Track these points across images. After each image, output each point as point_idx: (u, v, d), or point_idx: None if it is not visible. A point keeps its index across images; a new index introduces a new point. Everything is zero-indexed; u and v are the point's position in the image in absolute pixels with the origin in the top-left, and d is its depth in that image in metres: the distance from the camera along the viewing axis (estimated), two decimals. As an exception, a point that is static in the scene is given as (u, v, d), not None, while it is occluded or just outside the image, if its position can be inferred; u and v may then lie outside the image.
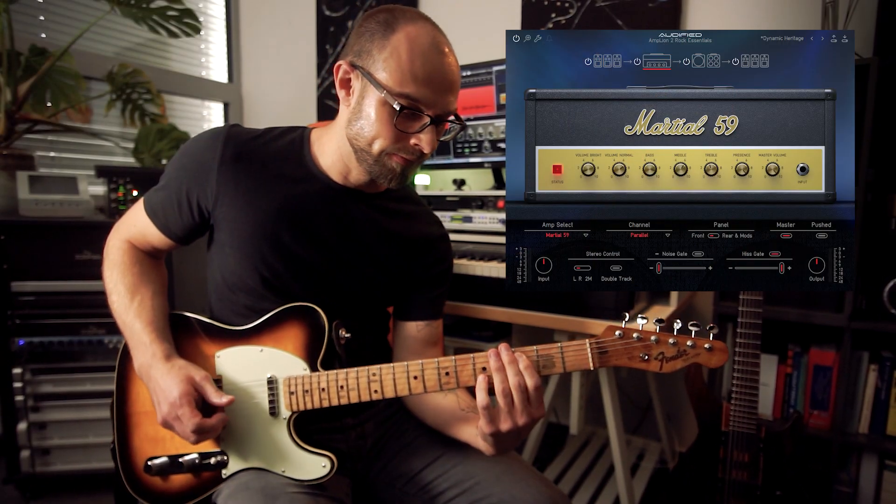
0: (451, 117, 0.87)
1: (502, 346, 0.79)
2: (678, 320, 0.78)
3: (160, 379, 0.85)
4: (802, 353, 1.57)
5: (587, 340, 0.79)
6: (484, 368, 0.80)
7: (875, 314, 1.47)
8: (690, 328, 0.77)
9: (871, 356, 1.52)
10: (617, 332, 0.78)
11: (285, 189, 0.91)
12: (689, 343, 0.77)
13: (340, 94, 0.88)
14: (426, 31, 0.82)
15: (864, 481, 1.54)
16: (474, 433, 0.87)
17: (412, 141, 0.84)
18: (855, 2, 1.51)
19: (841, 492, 1.55)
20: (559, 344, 0.80)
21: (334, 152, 0.91)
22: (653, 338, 0.77)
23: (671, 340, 0.77)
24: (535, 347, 0.80)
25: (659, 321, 0.79)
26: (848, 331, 1.46)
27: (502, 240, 1.62)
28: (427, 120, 0.83)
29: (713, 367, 0.78)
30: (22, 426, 1.64)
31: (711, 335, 0.77)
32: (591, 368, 0.79)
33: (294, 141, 0.95)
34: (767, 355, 1.59)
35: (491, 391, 0.78)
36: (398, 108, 0.80)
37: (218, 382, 0.90)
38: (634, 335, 0.78)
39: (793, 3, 1.71)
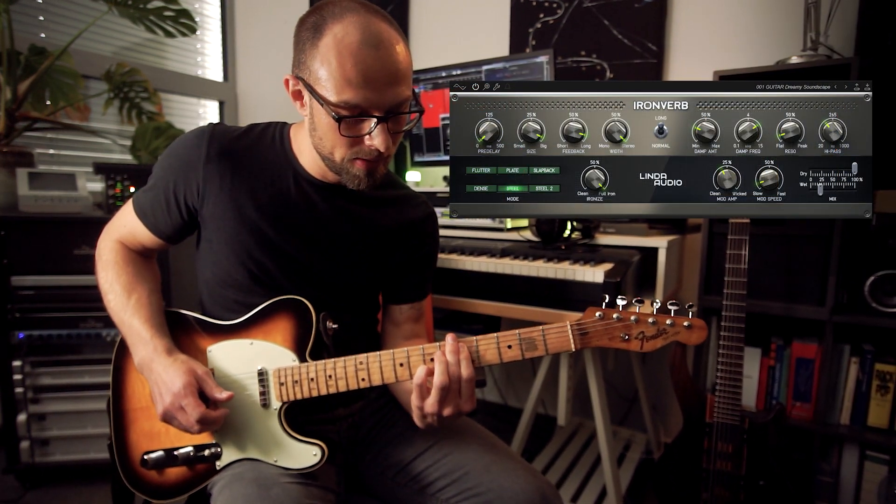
0: (407, 106, 0.83)
1: (449, 337, 0.81)
2: (657, 300, 0.79)
3: (163, 372, 0.86)
4: (785, 346, 1.59)
5: (568, 322, 0.79)
6: None
7: (857, 308, 1.48)
8: (669, 307, 0.77)
9: (853, 349, 1.53)
10: (597, 314, 0.79)
11: (269, 185, 0.92)
12: (668, 322, 0.77)
13: (296, 105, 0.87)
14: (356, 27, 0.76)
15: (846, 471, 1.56)
16: None
17: (366, 143, 0.82)
18: (837, 2, 1.54)
19: (823, 482, 1.57)
20: (541, 327, 0.80)
21: (310, 153, 0.92)
22: (633, 318, 0.78)
23: (651, 320, 0.77)
24: (517, 331, 0.81)
25: (639, 301, 0.79)
26: (830, 324, 1.47)
27: (492, 235, 1.66)
28: (373, 122, 0.79)
29: (693, 345, 0.79)
30: (22, 417, 1.67)
31: (690, 313, 0.77)
32: (573, 349, 0.79)
33: (275, 138, 0.95)
34: (751, 348, 1.61)
35: None
36: (337, 119, 0.78)
37: (210, 376, 0.92)
38: (614, 316, 0.78)
39: (776, 4, 1.74)
